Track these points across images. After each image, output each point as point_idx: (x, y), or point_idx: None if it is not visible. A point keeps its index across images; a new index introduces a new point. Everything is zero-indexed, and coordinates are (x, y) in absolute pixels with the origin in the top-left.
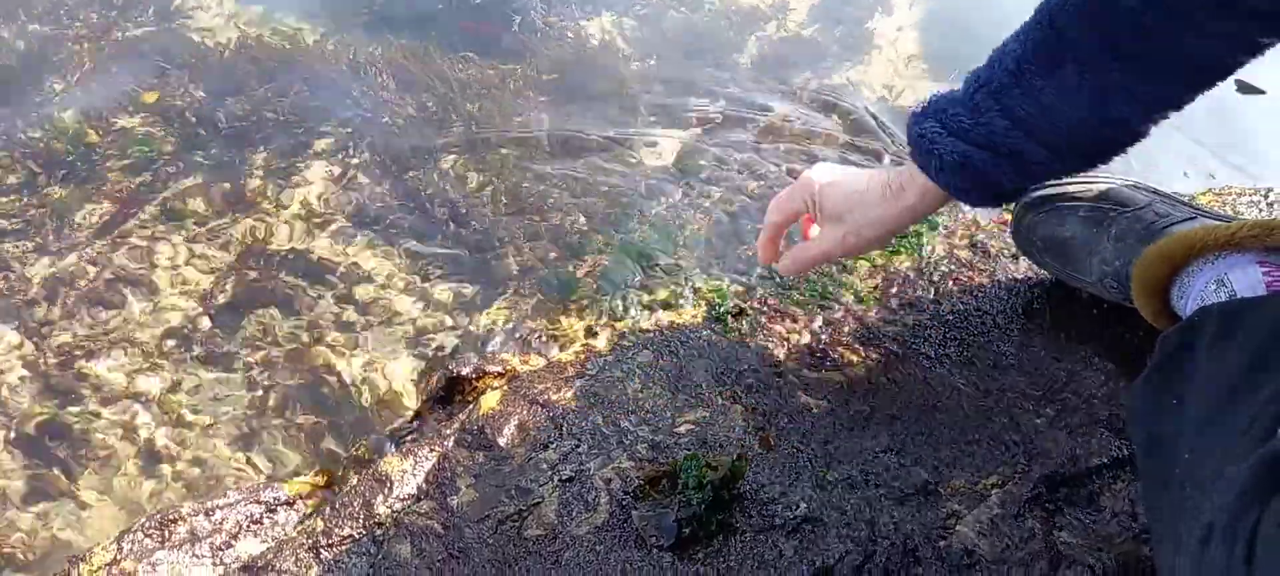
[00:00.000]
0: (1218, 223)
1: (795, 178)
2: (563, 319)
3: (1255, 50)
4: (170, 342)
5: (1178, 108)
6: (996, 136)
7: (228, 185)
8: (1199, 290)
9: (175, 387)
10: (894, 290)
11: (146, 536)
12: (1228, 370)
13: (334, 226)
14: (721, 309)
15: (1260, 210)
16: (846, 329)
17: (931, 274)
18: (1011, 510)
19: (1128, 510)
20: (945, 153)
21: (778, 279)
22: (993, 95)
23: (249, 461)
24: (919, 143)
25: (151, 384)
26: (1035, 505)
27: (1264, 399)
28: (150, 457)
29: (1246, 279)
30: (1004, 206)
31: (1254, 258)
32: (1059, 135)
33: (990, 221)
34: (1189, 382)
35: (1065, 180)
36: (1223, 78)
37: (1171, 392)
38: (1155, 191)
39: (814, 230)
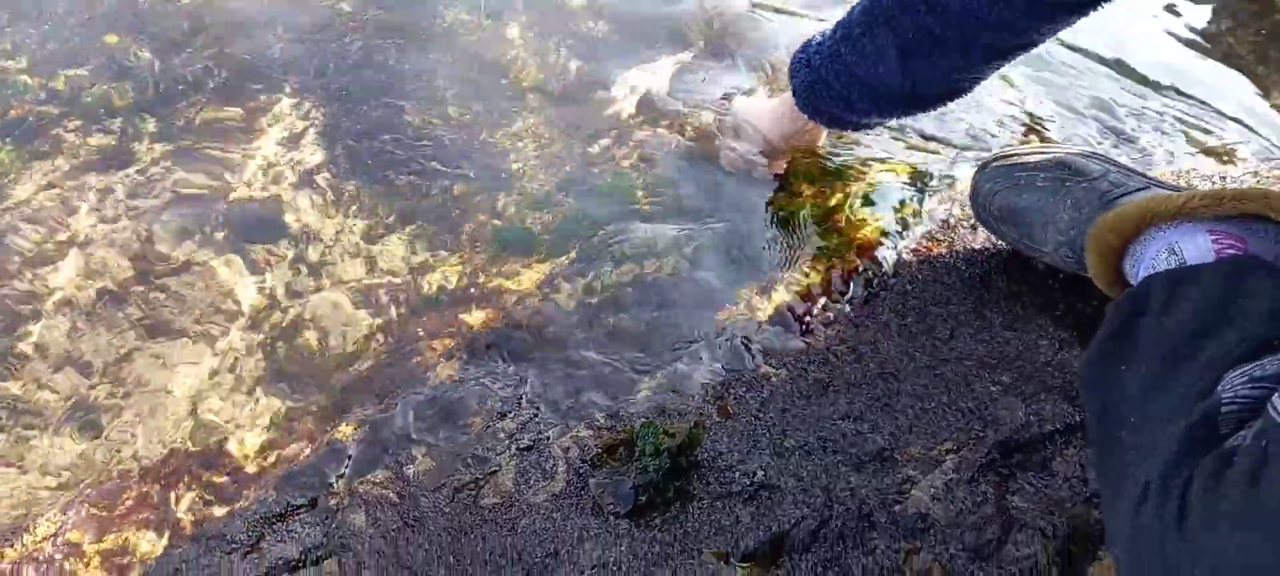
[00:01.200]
0: (1169, 192)
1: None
2: (521, 275)
3: (1053, 29)
4: (110, 305)
5: (981, 76)
6: (832, 76)
7: (176, 143)
8: (1150, 259)
9: (119, 354)
10: (856, 260)
11: (92, 506)
12: (1173, 336)
13: (284, 185)
14: (690, 266)
15: (1213, 183)
16: (805, 298)
17: (890, 244)
18: (965, 475)
19: (1079, 475)
20: (799, 81)
21: (738, 241)
22: (839, 43)
23: (197, 429)
24: (792, 66)
25: (98, 349)
26: (989, 470)
27: (1204, 362)
28: (93, 427)
29: (1196, 247)
30: (843, 134)
31: (1204, 226)
32: (876, 84)
33: (953, 198)
34: (1136, 349)
35: (1021, 149)
36: (1022, 54)
37: (1120, 359)
38: (1110, 161)
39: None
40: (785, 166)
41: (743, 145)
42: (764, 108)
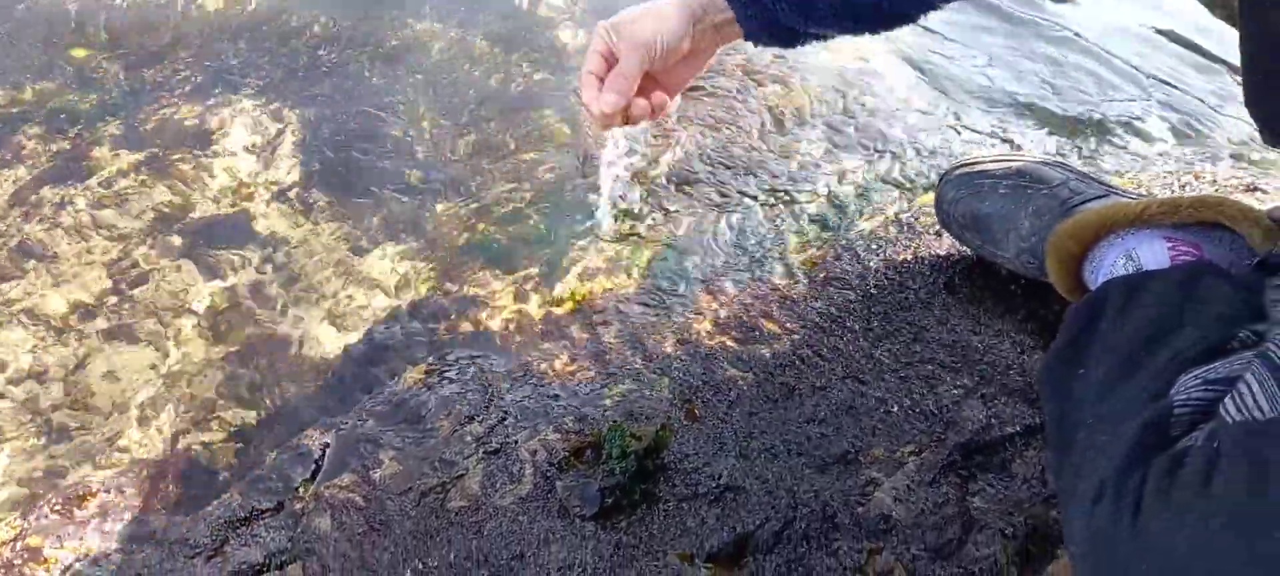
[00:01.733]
0: (1128, 200)
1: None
2: (493, 287)
3: None
4: (77, 316)
5: None
6: None
7: (144, 152)
8: (1109, 265)
9: (83, 362)
10: (821, 266)
11: (53, 511)
12: (1129, 340)
13: (256, 195)
14: (658, 278)
15: (1173, 190)
16: (773, 303)
17: (858, 250)
18: (927, 477)
19: (1038, 476)
20: None
21: (715, 241)
22: None
23: (160, 435)
24: None
25: (59, 358)
26: (950, 471)
27: (1159, 366)
28: (56, 435)
29: (1153, 253)
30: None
31: (1161, 233)
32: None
33: (917, 204)
34: (1093, 353)
35: (984, 156)
36: None
37: (1078, 364)
38: (1071, 169)
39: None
40: (655, 113)
41: (633, 55)
42: (654, 8)
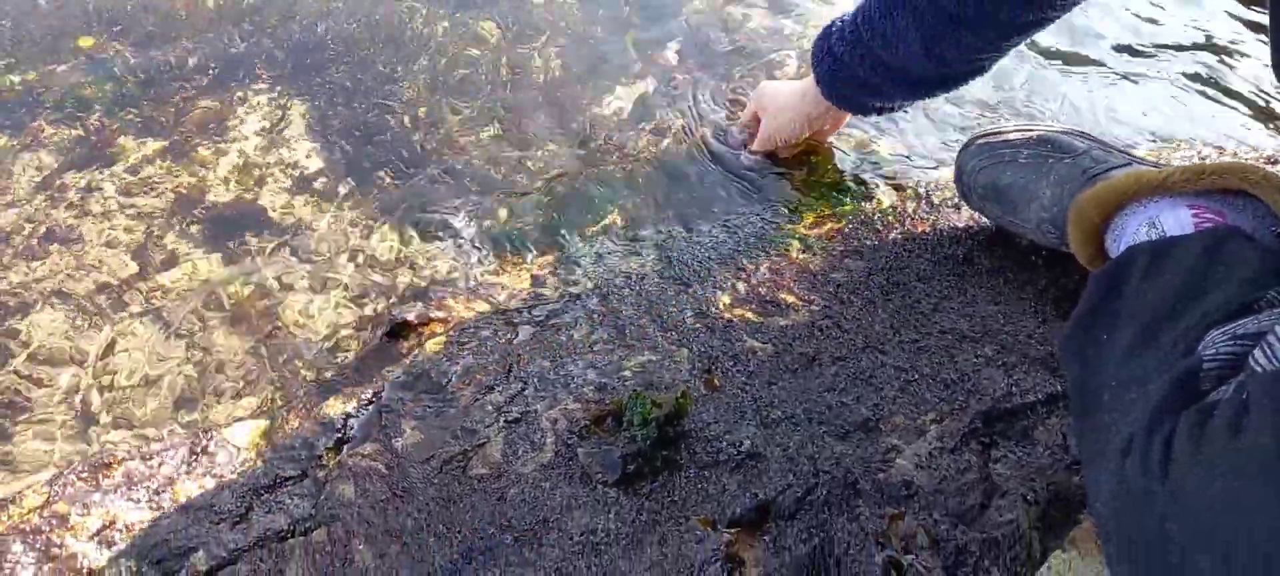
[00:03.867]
0: (1151, 168)
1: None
2: (509, 268)
3: (1065, 8)
4: (104, 298)
5: (1000, 53)
6: (855, 61)
7: (162, 139)
8: (1131, 233)
9: (110, 345)
10: (839, 239)
11: (80, 479)
12: (1154, 303)
13: (271, 179)
14: (674, 254)
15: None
16: (791, 276)
17: (876, 223)
18: (949, 444)
19: (1060, 443)
20: (823, 68)
21: (728, 223)
22: (860, 27)
23: (185, 412)
24: (814, 53)
25: (86, 341)
26: (971, 439)
27: (1184, 327)
28: (85, 417)
29: (1176, 220)
30: (873, 117)
31: (1184, 201)
32: (899, 66)
33: (935, 177)
34: (1118, 316)
35: (1005, 127)
36: (1038, 31)
37: (1102, 327)
38: (1093, 138)
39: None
40: (794, 153)
41: (769, 127)
42: (788, 91)
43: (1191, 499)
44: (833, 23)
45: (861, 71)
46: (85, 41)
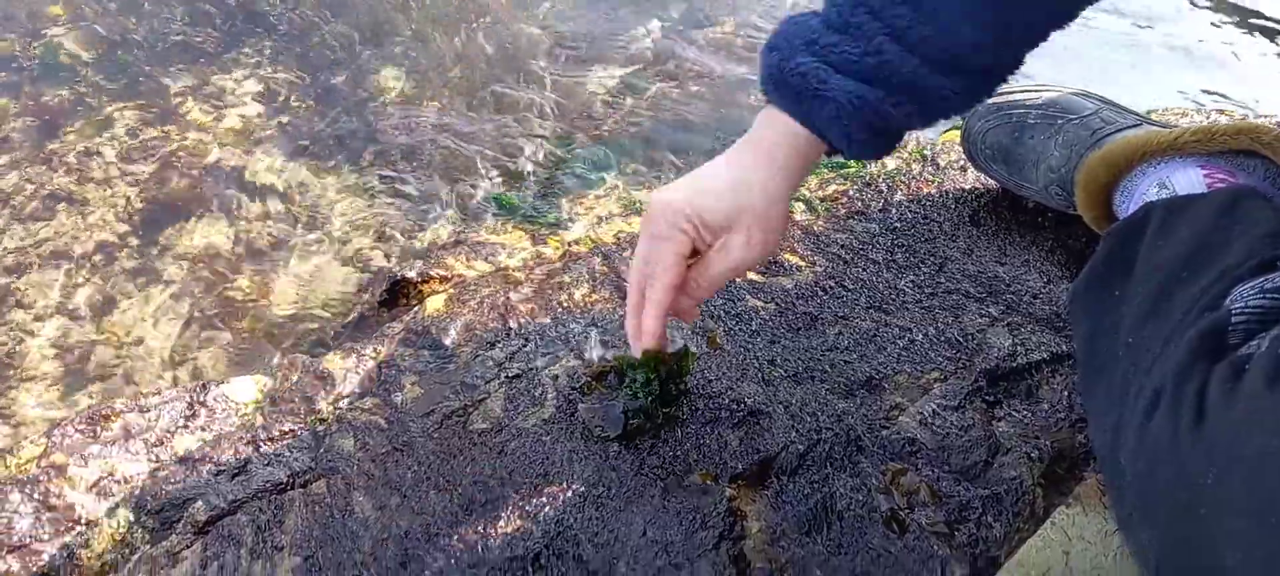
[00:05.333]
0: (1161, 128)
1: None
2: (510, 229)
3: None
4: (101, 257)
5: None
6: (890, 66)
7: (155, 103)
8: (1141, 194)
9: (108, 300)
10: (844, 201)
11: (77, 431)
12: (1170, 260)
13: (267, 144)
14: None
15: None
16: (795, 238)
17: (880, 185)
18: (953, 402)
19: (1065, 402)
20: (840, 95)
21: None
22: (874, 14)
23: (184, 367)
24: (792, 83)
25: (85, 296)
26: (976, 397)
27: (1204, 284)
28: (82, 366)
29: (1187, 181)
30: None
31: (1196, 161)
32: (956, 53)
33: (941, 139)
34: (1132, 273)
35: (1013, 88)
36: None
37: (1113, 285)
38: (1102, 99)
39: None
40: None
41: (737, 250)
42: (729, 176)
43: (1228, 452)
44: (795, 27)
45: (900, 76)
46: (55, 9)
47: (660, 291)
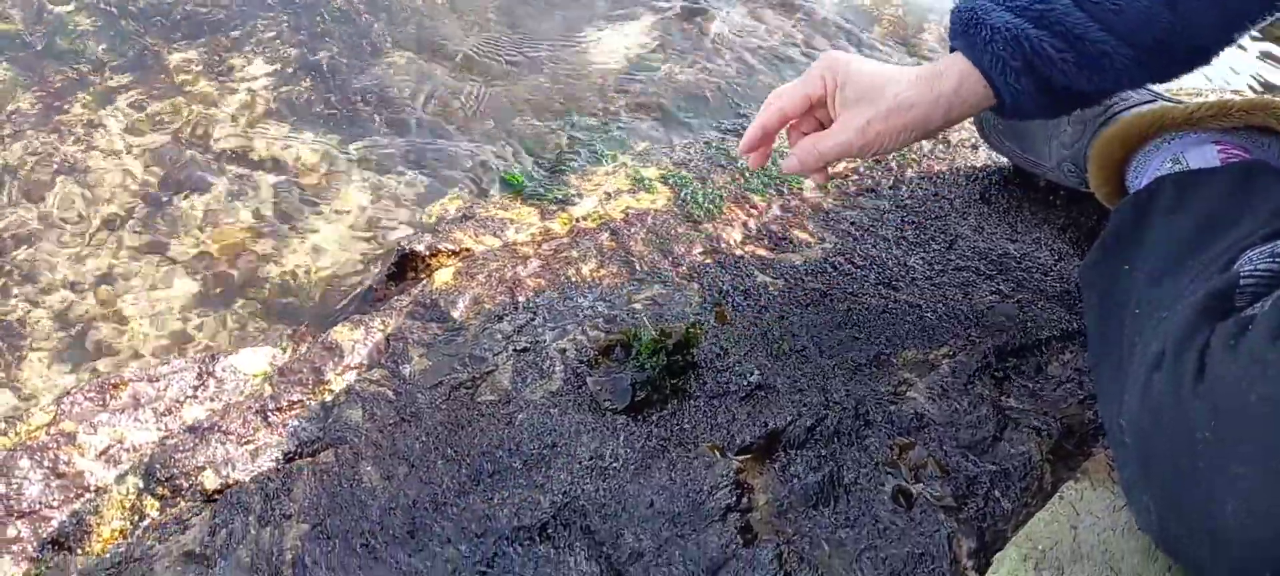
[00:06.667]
0: (1175, 104)
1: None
2: (519, 205)
3: None
4: (108, 230)
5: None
6: (1055, 13)
7: (162, 77)
8: (1154, 169)
9: (114, 271)
10: (854, 177)
11: (87, 399)
12: (1182, 231)
13: (274, 118)
14: (685, 194)
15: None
16: (804, 215)
17: (891, 162)
18: (961, 378)
19: (1073, 378)
20: (999, 23)
21: (739, 164)
22: None
23: (192, 339)
24: (964, 16)
25: (92, 268)
26: (984, 373)
27: (1218, 250)
28: (88, 337)
29: (1201, 156)
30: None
31: (1210, 137)
32: (1131, 30)
33: None
34: (1143, 244)
35: None
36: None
37: (1124, 258)
38: None
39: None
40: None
41: (853, 125)
42: (906, 79)
43: (1229, 405)
44: None
45: (1068, 26)
46: None
47: (770, 111)
